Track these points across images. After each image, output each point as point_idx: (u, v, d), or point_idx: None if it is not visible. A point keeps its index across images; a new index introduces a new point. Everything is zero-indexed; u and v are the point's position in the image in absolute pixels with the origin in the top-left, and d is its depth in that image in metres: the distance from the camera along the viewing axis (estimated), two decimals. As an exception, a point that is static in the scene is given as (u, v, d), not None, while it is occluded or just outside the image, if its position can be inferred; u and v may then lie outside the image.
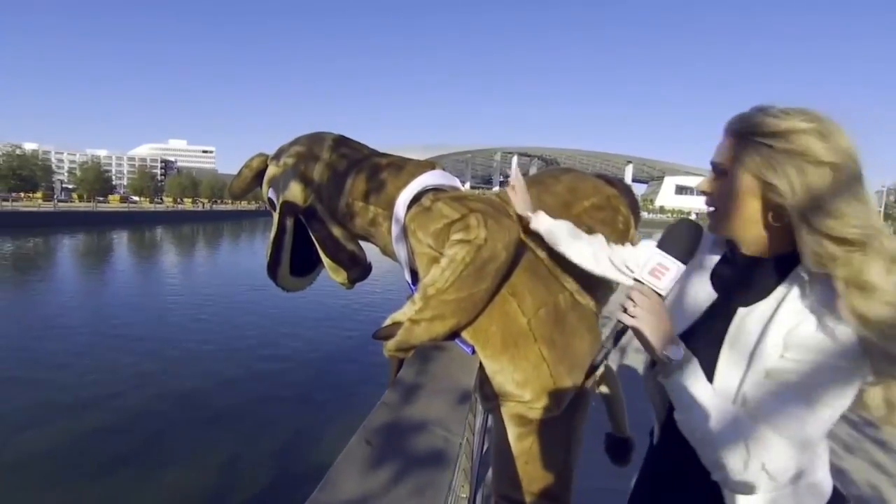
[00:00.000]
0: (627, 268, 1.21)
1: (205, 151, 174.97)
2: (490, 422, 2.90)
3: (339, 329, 11.01)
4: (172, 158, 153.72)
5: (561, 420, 1.43)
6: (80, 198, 64.43)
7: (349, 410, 6.71)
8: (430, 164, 1.62)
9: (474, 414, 2.22)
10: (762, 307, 0.81)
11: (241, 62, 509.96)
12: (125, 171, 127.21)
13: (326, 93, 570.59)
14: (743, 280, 0.86)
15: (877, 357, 0.70)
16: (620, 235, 1.65)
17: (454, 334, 1.39)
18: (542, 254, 1.50)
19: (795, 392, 0.74)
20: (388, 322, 1.43)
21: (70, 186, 79.41)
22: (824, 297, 0.74)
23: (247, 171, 1.78)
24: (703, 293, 0.93)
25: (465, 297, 1.29)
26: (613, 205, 1.71)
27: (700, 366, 0.81)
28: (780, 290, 0.80)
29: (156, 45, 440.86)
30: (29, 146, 78.91)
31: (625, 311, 0.85)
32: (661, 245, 0.89)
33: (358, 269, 1.72)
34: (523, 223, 1.48)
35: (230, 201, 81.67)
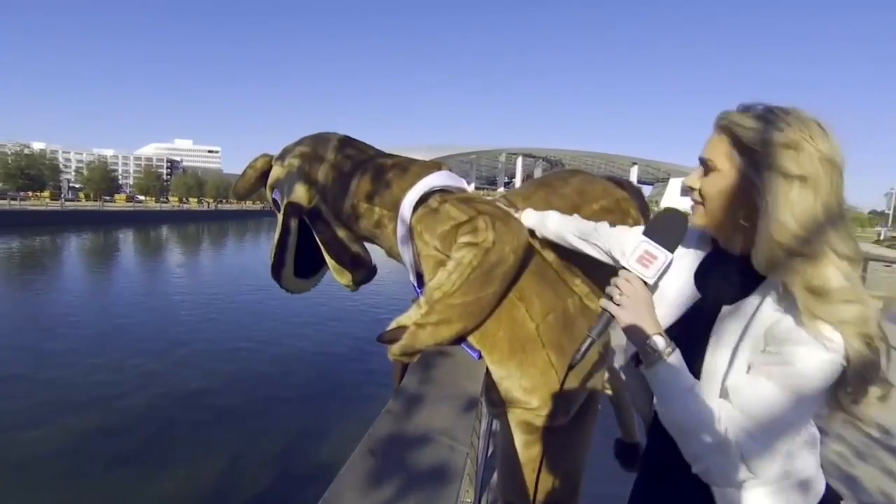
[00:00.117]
0: (611, 255, 1.20)
1: (210, 151, 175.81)
2: (495, 425, 2.88)
3: (343, 330, 11.02)
4: (178, 158, 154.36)
5: (569, 427, 1.41)
6: (87, 197, 64.74)
7: (353, 411, 6.70)
8: (436, 165, 1.60)
9: (479, 418, 2.20)
10: (745, 305, 0.81)
11: (247, 62, 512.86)
12: (131, 171, 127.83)
13: (331, 93, 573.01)
14: (726, 278, 0.87)
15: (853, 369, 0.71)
16: None
17: (460, 339, 1.37)
18: (550, 257, 1.47)
19: (774, 384, 0.74)
20: (392, 325, 1.40)
21: (77, 186, 79.91)
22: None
23: (251, 171, 1.76)
24: (687, 290, 0.93)
25: (472, 302, 1.27)
26: (623, 207, 1.69)
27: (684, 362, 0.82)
28: (761, 288, 0.81)
29: (162, 46, 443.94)
30: (37, 146, 79.43)
31: (610, 299, 0.84)
32: (648, 233, 0.87)
33: (363, 270, 1.70)
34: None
35: (235, 201, 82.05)
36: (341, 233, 1.65)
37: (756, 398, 0.75)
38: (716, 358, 0.82)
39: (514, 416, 1.42)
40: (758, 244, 0.77)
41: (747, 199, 0.80)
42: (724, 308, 0.84)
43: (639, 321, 0.81)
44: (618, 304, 0.83)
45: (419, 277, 1.51)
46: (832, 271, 0.72)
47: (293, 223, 1.65)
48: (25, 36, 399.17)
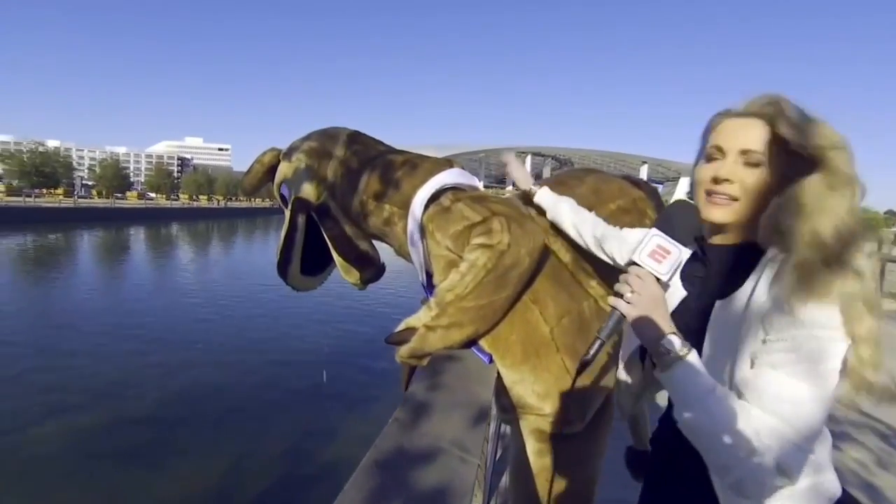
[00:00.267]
0: (617, 253, 1.17)
1: (220, 149, 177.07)
2: (503, 427, 2.83)
3: (351, 329, 11.00)
4: (189, 156, 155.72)
5: (583, 435, 1.35)
6: (99, 194, 65.61)
7: (359, 412, 6.67)
8: (447, 162, 1.55)
9: (488, 421, 2.15)
10: (738, 296, 0.78)
11: (257, 62, 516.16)
12: (143, 168, 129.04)
13: (340, 91, 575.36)
14: (717, 273, 0.84)
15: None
16: None
17: (471, 342, 1.32)
18: (565, 259, 1.42)
19: (785, 373, 0.70)
20: (401, 327, 1.35)
21: (89, 183, 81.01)
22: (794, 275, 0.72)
23: (258, 166, 1.72)
24: (674, 287, 0.90)
25: (485, 305, 1.22)
26: (640, 207, 1.63)
27: None
28: (752, 277, 0.78)
29: (173, 45, 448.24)
30: (51, 143, 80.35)
31: (620, 296, 0.79)
32: (660, 226, 0.82)
33: (371, 269, 1.66)
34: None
35: (245, 199, 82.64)
36: (350, 230, 1.61)
37: (771, 392, 0.70)
38: (716, 356, 0.78)
39: (526, 423, 1.37)
40: (793, 246, 0.72)
41: (776, 196, 0.76)
42: (718, 303, 0.81)
43: (652, 320, 0.76)
44: (629, 303, 0.78)
45: (429, 277, 1.47)
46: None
47: (301, 220, 1.61)
48: (42, 34, 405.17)
